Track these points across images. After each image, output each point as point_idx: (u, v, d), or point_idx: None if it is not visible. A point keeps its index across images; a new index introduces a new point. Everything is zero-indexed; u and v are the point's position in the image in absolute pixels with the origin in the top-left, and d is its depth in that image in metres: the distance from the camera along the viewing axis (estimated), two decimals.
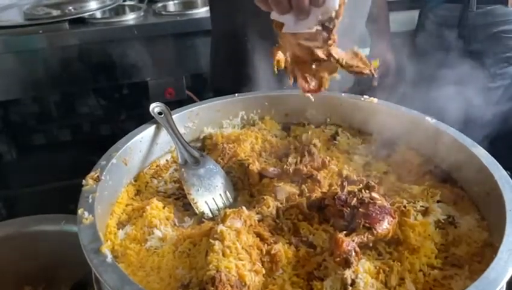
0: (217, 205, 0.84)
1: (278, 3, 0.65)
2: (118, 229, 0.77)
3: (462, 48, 2.02)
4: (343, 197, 0.74)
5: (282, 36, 0.73)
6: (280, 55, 0.74)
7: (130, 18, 2.12)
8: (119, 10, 2.27)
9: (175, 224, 0.79)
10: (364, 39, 1.66)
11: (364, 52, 1.74)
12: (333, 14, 0.68)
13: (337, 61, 0.72)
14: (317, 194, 0.80)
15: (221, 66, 1.47)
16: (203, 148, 1.01)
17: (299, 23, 0.68)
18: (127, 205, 0.83)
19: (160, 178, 0.92)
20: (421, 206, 0.77)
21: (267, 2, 0.66)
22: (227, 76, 1.43)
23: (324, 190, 0.81)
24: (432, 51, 2.00)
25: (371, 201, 0.72)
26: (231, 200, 0.86)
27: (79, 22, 2.04)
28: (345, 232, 0.68)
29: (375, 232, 0.68)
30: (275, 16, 0.69)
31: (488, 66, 2.05)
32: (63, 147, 2.36)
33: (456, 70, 1.60)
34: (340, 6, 0.68)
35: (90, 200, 0.71)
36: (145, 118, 0.94)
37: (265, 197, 0.80)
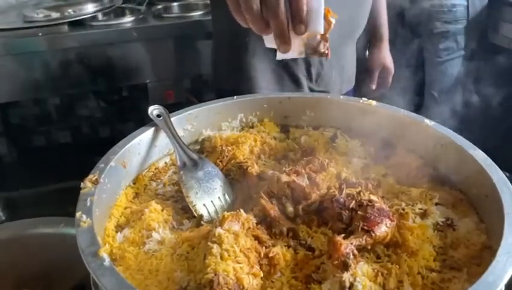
0: (215, 208, 0.84)
1: (254, 21, 0.63)
2: (116, 232, 0.77)
3: (403, 27, 2.06)
4: (342, 199, 0.74)
5: None
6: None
7: (129, 20, 2.12)
8: (118, 13, 2.28)
9: (173, 227, 0.79)
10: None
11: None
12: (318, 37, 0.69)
13: None
14: (315, 196, 0.79)
15: (222, 66, 1.48)
16: (202, 151, 1.01)
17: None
18: (125, 208, 0.83)
19: (159, 181, 0.92)
20: (419, 208, 0.76)
21: (245, 19, 0.65)
22: (228, 77, 1.44)
23: (323, 193, 0.81)
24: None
25: (370, 204, 0.72)
26: (230, 202, 0.86)
27: (78, 24, 2.05)
28: (343, 235, 0.68)
29: (373, 235, 0.68)
30: (268, 44, 0.70)
31: (429, 42, 2.09)
32: (63, 149, 2.37)
33: (403, 50, 1.62)
34: (326, 30, 0.68)
35: (88, 203, 0.71)
36: (145, 120, 0.94)
37: None
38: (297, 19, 0.64)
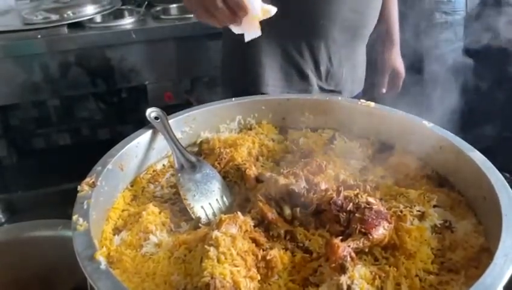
0: (213, 210, 0.84)
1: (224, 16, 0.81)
2: (114, 234, 0.77)
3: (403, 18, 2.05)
4: (339, 202, 0.74)
5: None
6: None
7: (128, 22, 2.12)
8: (117, 14, 2.28)
9: (171, 229, 0.79)
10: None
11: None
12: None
13: None
14: (313, 199, 0.79)
15: (231, 64, 1.48)
16: (200, 153, 1.00)
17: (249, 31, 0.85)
18: (123, 211, 0.83)
19: (156, 183, 0.92)
20: (417, 210, 0.76)
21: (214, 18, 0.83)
22: (236, 74, 1.45)
23: (320, 195, 0.80)
24: None
25: (367, 206, 0.72)
26: (228, 205, 0.86)
27: (77, 26, 2.05)
28: (340, 237, 0.68)
29: (371, 237, 0.68)
30: (235, 29, 0.85)
31: (428, 33, 2.08)
32: (62, 151, 2.37)
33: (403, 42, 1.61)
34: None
35: (85, 207, 0.71)
36: (145, 122, 0.94)
37: None
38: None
